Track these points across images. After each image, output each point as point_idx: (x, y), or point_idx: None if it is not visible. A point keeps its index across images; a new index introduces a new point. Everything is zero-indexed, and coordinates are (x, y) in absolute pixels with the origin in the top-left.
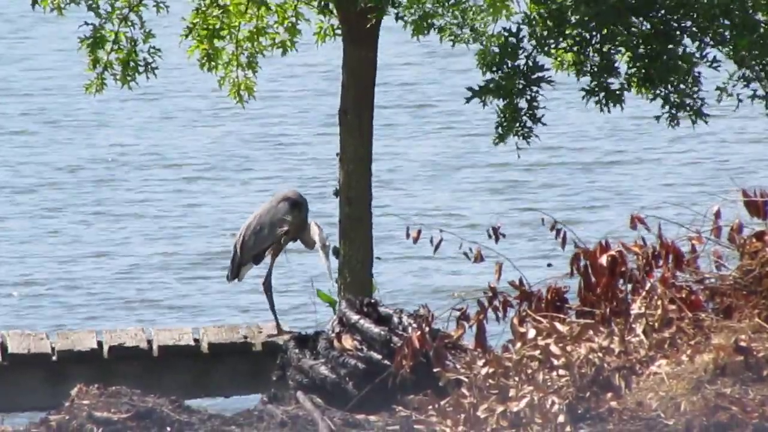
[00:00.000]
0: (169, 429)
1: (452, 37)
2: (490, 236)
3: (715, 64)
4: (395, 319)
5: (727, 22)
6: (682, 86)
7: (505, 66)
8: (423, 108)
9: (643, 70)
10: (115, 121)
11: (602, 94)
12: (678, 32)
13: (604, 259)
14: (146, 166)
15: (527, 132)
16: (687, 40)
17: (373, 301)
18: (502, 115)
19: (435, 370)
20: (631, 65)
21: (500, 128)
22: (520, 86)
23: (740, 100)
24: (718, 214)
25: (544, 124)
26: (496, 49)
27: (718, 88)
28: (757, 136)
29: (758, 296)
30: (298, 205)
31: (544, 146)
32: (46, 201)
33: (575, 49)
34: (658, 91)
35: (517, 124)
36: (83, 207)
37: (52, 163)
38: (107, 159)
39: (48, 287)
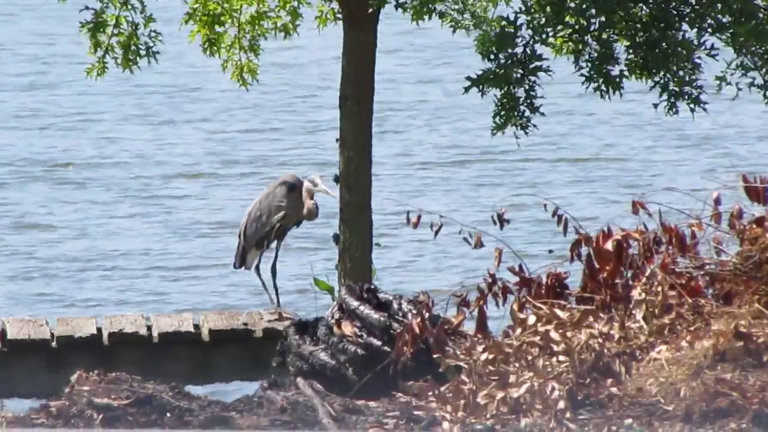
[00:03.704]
0: (169, 415)
1: (453, 23)
2: (494, 222)
3: (713, 52)
4: (395, 305)
5: (726, 8)
6: (681, 73)
7: (502, 55)
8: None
9: (642, 58)
10: (108, 116)
11: (601, 81)
12: (676, 19)
13: (609, 245)
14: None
15: (525, 122)
16: (685, 27)
17: (372, 287)
18: (499, 105)
19: (435, 356)
20: (629, 52)
21: (498, 118)
22: (518, 75)
23: (739, 89)
24: (718, 200)
25: (542, 114)
26: (494, 34)
27: (717, 78)
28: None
29: (758, 282)
30: (294, 189)
31: (543, 138)
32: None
33: (574, 37)
34: (657, 79)
35: (515, 114)
36: (89, 202)
37: (54, 154)
38: (114, 154)
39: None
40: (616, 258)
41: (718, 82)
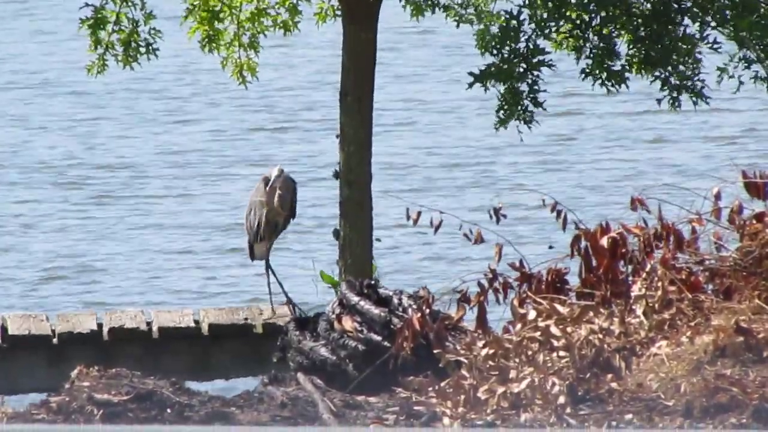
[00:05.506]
0: (169, 411)
1: (457, 17)
2: (491, 217)
3: (715, 46)
4: (395, 301)
5: (727, 2)
6: (682, 68)
7: (505, 49)
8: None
9: (644, 52)
10: (108, 116)
11: (604, 75)
12: (678, 13)
13: (604, 241)
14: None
15: (529, 116)
16: (687, 21)
17: (372, 282)
18: (503, 100)
19: (435, 351)
20: (631, 47)
21: (501, 113)
22: (521, 70)
23: (741, 83)
24: (718, 196)
25: (544, 109)
26: (496, 29)
27: (718, 69)
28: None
29: (758, 277)
30: None
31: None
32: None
33: (575, 32)
34: (658, 73)
35: (519, 108)
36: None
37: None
38: (120, 152)
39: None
40: (610, 254)
41: (719, 73)
